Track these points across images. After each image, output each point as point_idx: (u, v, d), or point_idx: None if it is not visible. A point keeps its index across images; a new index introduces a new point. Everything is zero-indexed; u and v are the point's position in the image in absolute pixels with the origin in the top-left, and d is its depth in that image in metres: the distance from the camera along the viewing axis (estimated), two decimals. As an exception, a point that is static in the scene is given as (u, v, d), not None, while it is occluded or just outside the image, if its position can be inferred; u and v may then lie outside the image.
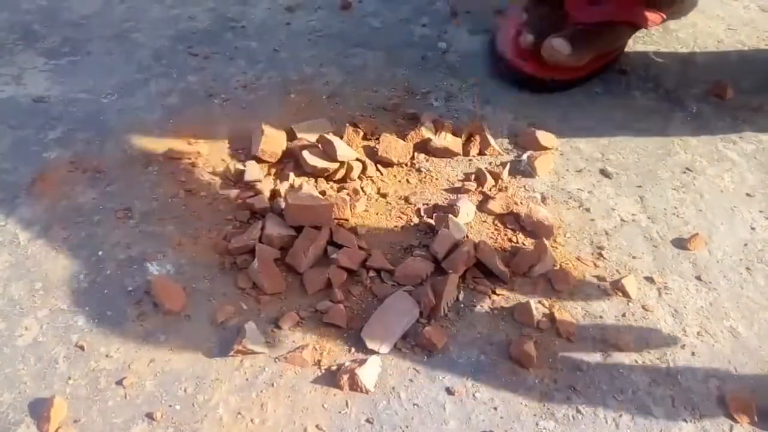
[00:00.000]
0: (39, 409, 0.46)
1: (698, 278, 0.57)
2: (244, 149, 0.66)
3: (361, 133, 0.68)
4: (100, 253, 0.57)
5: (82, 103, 0.72)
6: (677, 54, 0.85)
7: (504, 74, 0.78)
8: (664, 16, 0.77)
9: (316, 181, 0.64)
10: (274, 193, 0.61)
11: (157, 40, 0.83)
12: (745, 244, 0.60)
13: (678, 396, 0.48)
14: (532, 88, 0.76)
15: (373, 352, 0.50)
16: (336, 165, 0.63)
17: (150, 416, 0.46)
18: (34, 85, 0.75)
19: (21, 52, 0.80)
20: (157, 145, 0.67)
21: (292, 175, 0.63)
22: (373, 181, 0.64)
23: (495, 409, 0.47)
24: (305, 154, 0.63)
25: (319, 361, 0.50)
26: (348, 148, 0.64)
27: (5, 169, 0.64)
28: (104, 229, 0.58)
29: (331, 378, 0.49)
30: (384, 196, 0.63)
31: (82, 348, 0.50)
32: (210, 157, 0.66)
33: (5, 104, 0.72)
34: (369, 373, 0.48)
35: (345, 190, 0.62)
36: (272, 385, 0.48)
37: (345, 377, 0.47)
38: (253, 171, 0.63)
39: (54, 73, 0.77)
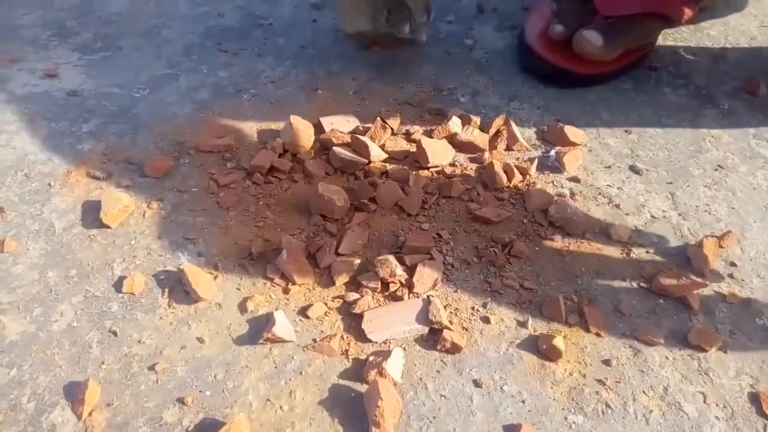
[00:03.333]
0: (74, 392, 0.47)
1: (731, 276, 0.56)
2: (273, 142, 0.67)
3: (389, 130, 0.68)
4: (132, 242, 0.58)
5: (114, 97, 0.74)
6: (708, 50, 0.83)
7: (533, 68, 0.77)
8: (696, 10, 0.76)
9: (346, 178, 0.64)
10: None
11: (187, 37, 0.84)
12: (779, 242, 0.59)
13: (710, 393, 0.48)
14: (561, 83, 0.75)
15: (394, 343, 0.50)
16: (364, 161, 0.64)
17: (181, 401, 0.47)
18: (69, 80, 0.76)
19: (55, 48, 0.82)
20: (188, 138, 0.68)
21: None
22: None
23: (523, 402, 0.47)
24: (336, 150, 0.64)
25: (347, 350, 0.50)
26: (379, 150, 0.65)
27: (41, 160, 0.66)
28: (136, 219, 0.60)
29: (359, 367, 0.49)
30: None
31: (115, 334, 0.51)
32: (239, 150, 0.66)
33: (41, 98, 0.73)
34: (395, 365, 0.48)
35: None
36: (300, 373, 0.49)
37: (373, 372, 0.48)
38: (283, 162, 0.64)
39: (87, 68, 0.78)
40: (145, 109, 0.72)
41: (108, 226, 0.58)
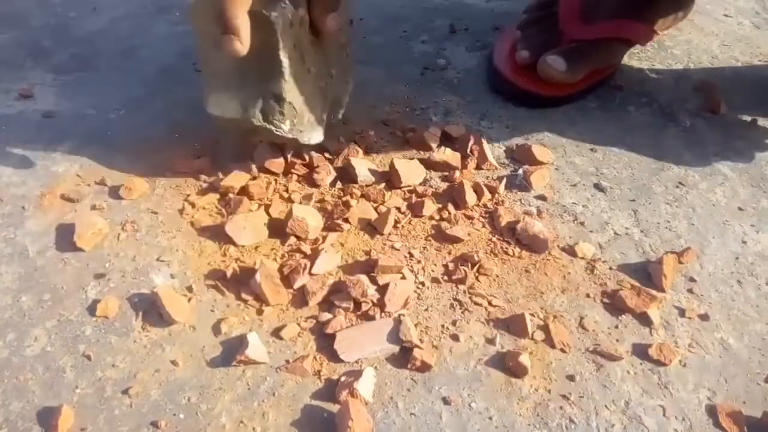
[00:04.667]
0: (47, 418, 0.47)
1: (690, 291, 0.58)
2: (247, 164, 0.68)
3: (360, 151, 0.70)
4: (106, 264, 0.58)
5: (89, 119, 0.74)
6: (672, 70, 0.86)
7: (501, 90, 0.80)
8: (659, 33, 0.79)
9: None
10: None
11: (163, 57, 0.85)
12: (737, 258, 0.61)
13: (669, 406, 0.50)
14: (528, 104, 0.78)
15: (365, 363, 0.51)
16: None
17: (155, 425, 0.47)
18: (44, 101, 0.77)
19: (31, 69, 0.82)
20: (163, 159, 0.69)
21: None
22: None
23: (490, 418, 0.48)
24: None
25: (319, 371, 0.51)
26: (368, 174, 0.67)
27: (14, 183, 0.66)
28: (110, 242, 0.60)
29: (331, 387, 0.50)
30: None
31: (89, 358, 0.51)
32: (214, 171, 0.67)
33: (15, 119, 0.74)
34: (366, 384, 0.49)
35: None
36: (273, 394, 0.49)
37: (345, 392, 0.49)
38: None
39: (62, 89, 0.79)
40: (120, 130, 0.73)
41: (82, 249, 0.59)
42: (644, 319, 0.55)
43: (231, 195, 0.64)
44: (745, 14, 1.01)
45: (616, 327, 0.55)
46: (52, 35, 0.88)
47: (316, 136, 0.63)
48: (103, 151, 0.70)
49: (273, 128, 0.59)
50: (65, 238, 0.60)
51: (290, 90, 0.58)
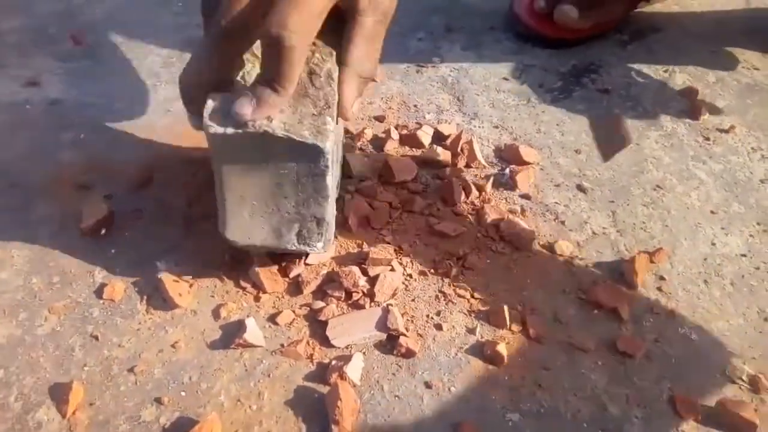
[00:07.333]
0: (58, 392, 0.51)
1: (659, 289, 0.62)
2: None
3: (356, 147, 0.73)
4: (112, 250, 0.62)
5: (95, 107, 0.77)
6: (658, 74, 0.90)
7: (520, 33, 0.94)
8: None
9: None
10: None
11: (166, 47, 0.87)
12: (705, 259, 0.65)
13: (632, 395, 0.54)
14: (543, 44, 0.92)
15: (355, 348, 0.55)
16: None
17: (158, 401, 0.51)
18: (50, 88, 0.79)
19: (36, 55, 0.84)
20: (167, 149, 0.72)
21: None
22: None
23: (468, 402, 0.53)
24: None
25: (312, 355, 0.55)
26: (363, 169, 0.70)
27: (23, 170, 0.69)
28: (116, 228, 0.63)
29: (322, 370, 0.54)
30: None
31: (96, 338, 0.55)
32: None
33: (22, 106, 0.76)
34: (354, 368, 0.53)
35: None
36: (269, 375, 0.53)
37: (335, 375, 0.53)
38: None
39: (69, 77, 0.81)
40: (124, 119, 0.76)
41: (89, 235, 0.62)
42: (615, 314, 0.59)
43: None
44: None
45: (589, 321, 0.59)
46: (58, 22, 0.90)
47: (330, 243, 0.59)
48: (109, 139, 0.73)
49: (307, 249, 0.56)
50: (73, 224, 0.63)
51: (330, 208, 0.54)
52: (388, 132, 0.76)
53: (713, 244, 0.67)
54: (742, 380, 0.55)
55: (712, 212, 0.70)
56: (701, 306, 0.61)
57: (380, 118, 0.79)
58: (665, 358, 0.57)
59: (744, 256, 0.66)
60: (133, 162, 0.70)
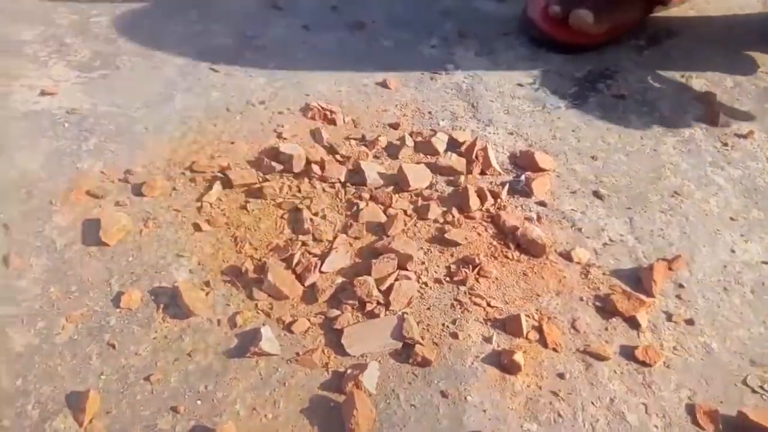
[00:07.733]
0: (75, 401, 0.51)
1: (678, 297, 0.61)
2: (264, 162, 0.71)
3: (370, 155, 0.73)
4: (130, 259, 0.62)
5: (112, 116, 0.78)
6: (674, 79, 0.89)
7: (534, 39, 0.93)
8: None
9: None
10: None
11: (182, 57, 0.88)
12: (725, 266, 0.64)
13: (651, 404, 0.53)
14: (557, 50, 0.91)
15: (370, 358, 0.55)
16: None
17: (174, 410, 0.51)
18: (68, 98, 0.80)
19: (55, 65, 0.86)
20: (183, 157, 0.72)
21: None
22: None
23: (484, 411, 0.52)
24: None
25: (327, 363, 0.55)
26: (377, 177, 0.70)
27: (42, 178, 0.70)
28: (133, 237, 0.64)
29: (337, 379, 0.54)
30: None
31: (113, 346, 0.55)
32: (231, 170, 0.71)
33: (41, 115, 0.77)
34: (370, 377, 0.53)
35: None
36: (284, 384, 0.53)
37: (350, 384, 0.52)
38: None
39: (86, 86, 0.82)
40: (141, 128, 0.76)
41: (107, 244, 0.63)
42: (633, 322, 0.59)
43: (250, 193, 0.68)
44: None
45: (606, 329, 0.58)
46: (75, 32, 0.91)
47: None
48: (125, 148, 0.73)
49: None
50: (91, 232, 0.64)
51: None
52: (402, 139, 0.76)
53: (733, 251, 0.66)
54: (764, 389, 0.54)
55: (731, 219, 0.69)
56: (721, 314, 0.60)
57: (395, 126, 0.79)
58: (684, 367, 0.56)
59: (765, 263, 0.65)
60: (150, 170, 0.70)
